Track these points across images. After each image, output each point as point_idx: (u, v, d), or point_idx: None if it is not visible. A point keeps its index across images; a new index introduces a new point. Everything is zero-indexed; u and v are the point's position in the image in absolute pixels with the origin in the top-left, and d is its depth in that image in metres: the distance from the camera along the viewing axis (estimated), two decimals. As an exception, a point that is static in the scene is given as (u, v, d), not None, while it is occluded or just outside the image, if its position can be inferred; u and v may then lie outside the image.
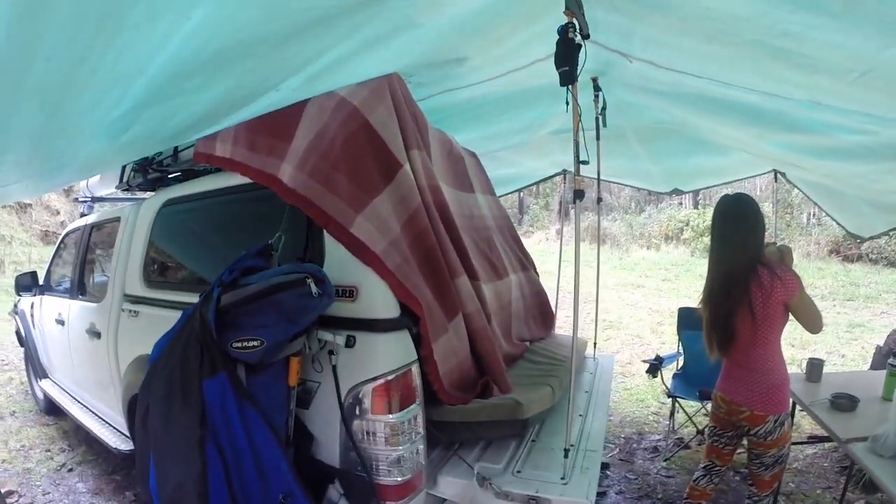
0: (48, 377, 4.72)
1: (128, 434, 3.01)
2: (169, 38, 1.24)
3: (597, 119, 2.83)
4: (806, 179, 4.05)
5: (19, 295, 4.89)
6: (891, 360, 2.92)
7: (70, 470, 4.00)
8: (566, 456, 1.84)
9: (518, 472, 1.88)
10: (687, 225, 15.49)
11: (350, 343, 1.70)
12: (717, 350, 2.35)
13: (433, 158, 2.33)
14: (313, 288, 1.55)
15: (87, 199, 4.43)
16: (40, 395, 5.06)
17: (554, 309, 3.61)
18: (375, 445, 1.68)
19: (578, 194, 1.84)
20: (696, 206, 17.46)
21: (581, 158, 1.85)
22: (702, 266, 11.90)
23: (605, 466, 3.63)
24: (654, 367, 3.77)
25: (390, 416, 1.66)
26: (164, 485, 1.60)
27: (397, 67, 2.00)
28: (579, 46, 1.78)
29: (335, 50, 1.62)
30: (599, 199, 3.42)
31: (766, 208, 7.56)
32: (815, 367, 3.20)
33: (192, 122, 1.92)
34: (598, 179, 3.06)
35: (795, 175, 4.02)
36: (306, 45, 1.52)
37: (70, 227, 4.61)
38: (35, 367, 4.93)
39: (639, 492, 3.36)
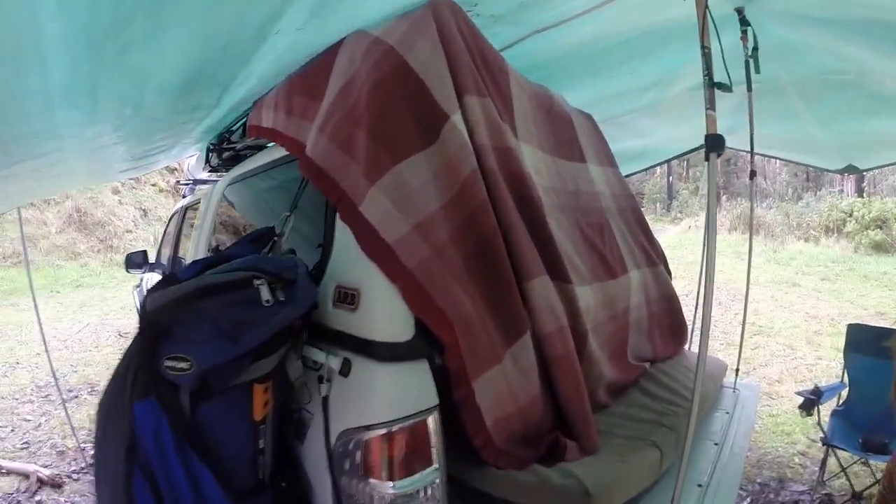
0: None
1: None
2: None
3: (746, 64, 2.02)
4: None
5: (129, 272, 5.02)
6: None
7: None
8: None
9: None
10: (850, 216, 13.11)
11: (345, 370, 1.16)
12: None
13: (518, 113, 1.70)
14: (265, 294, 1.04)
15: (188, 182, 4.42)
16: None
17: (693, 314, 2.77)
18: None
19: (714, 141, 1.15)
20: (860, 193, 14.90)
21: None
22: (866, 265, 10.12)
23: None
24: (811, 402, 2.81)
25: (390, 483, 1.11)
26: None
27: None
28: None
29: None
30: (753, 174, 2.54)
31: None
32: None
33: (182, 80, 1.58)
34: (752, 149, 2.22)
35: None
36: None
37: (175, 208, 4.77)
38: None
39: None
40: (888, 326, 4.43)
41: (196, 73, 1.54)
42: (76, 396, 4.92)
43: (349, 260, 1.24)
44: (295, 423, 1.29)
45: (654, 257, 2.50)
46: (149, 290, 1.13)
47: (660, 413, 1.72)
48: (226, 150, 2.65)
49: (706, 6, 1.18)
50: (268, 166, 2.16)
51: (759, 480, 3.26)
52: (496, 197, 1.37)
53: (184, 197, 4.58)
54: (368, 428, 1.12)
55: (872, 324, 5.71)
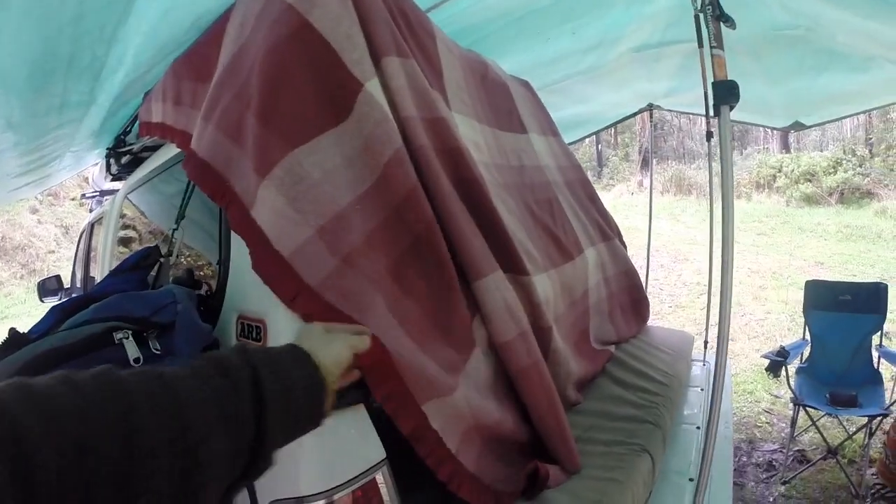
0: None
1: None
2: None
3: (696, 19, 1.84)
4: None
5: (42, 301, 4.34)
6: None
7: None
8: None
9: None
10: (780, 171, 13.52)
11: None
12: None
13: (448, 80, 1.44)
14: (130, 350, 0.76)
15: (95, 194, 3.93)
16: None
17: (645, 284, 2.61)
18: None
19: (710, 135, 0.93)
20: (787, 149, 15.36)
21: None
22: (800, 218, 10.44)
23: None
24: (777, 364, 2.76)
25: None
26: None
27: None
28: None
29: None
30: (709, 135, 2.39)
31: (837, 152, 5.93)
32: None
33: (28, 69, 1.23)
34: (707, 108, 2.05)
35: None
36: None
37: (83, 225, 4.22)
38: None
39: None
40: (843, 280, 4.49)
41: (44, 58, 1.20)
42: None
43: (250, 282, 0.95)
44: None
45: (609, 231, 2.31)
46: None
47: (637, 405, 1.53)
48: (123, 154, 2.30)
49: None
50: (165, 166, 1.82)
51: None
52: (430, 180, 1.10)
53: (90, 211, 4.14)
54: (302, 500, 0.85)
55: (815, 275, 5.86)
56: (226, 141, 1.04)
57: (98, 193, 3.85)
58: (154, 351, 0.80)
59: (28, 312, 9.41)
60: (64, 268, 11.17)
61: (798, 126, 3.31)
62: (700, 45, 1.90)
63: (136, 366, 0.76)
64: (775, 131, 12.64)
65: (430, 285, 1.06)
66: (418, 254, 1.05)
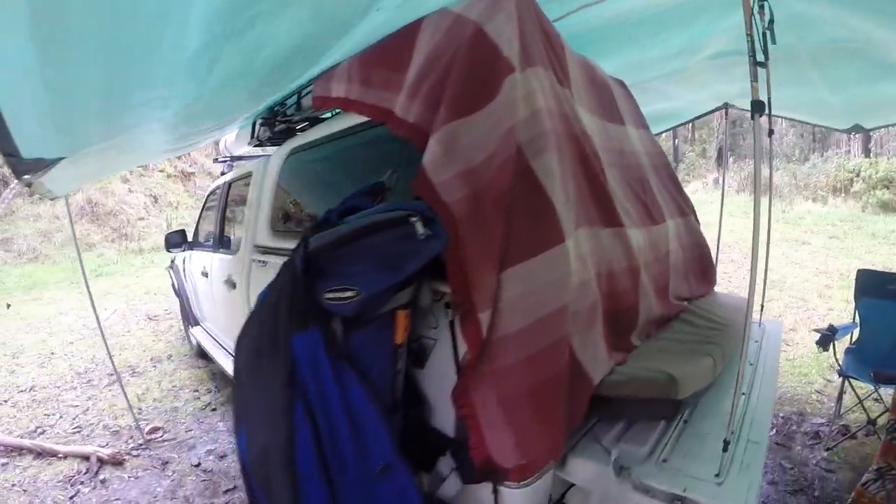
0: (199, 325, 5.13)
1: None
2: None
3: (763, 35, 2.27)
4: None
5: (169, 251, 5.28)
6: None
7: (213, 409, 4.37)
8: (725, 449, 1.46)
9: (664, 461, 1.52)
10: (857, 176, 13.33)
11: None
12: None
13: (573, 84, 1.95)
14: (419, 228, 1.30)
15: (226, 159, 4.65)
16: (193, 341, 5.49)
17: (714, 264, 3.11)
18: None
19: (757, 106, 1.40)
20: (866, 153, 15.03)
21: (758, 60, 1.41)
22: (874, 224, 10.38)
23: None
24: (827, 338, 3.15)
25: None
26: (251, 448, 1.48)
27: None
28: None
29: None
30: (771, 132, 2.81)
31: None
32: None
33: (287, 53, 1.76)
34: (770, 112, 2.49)
35: None
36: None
37: (213, 185, 4.88)
38: (188, 316, 5.42)
39: (794, 484, 2.86)
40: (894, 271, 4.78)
41: (300, 47, 1.73)
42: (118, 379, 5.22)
43: None
44: (414, 352, 1.57)
45: (686, 208, 2.82)
46: (309, 233, 1.38)
47: (705, 338, 2.01)
48: (280, 124, 2.87)
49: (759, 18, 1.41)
50: (333, 136, 2.40)
51: (781, 415, 3.61)
52: (547, 151, 1.54)
53: (222, 174, 4.77)
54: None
55: (881, 271, 6.06)
56: (428, 112, 1.59)
57: (229, 158, 4.60)
58: (428, 233, 1.34)
59: (121, 272, 10.51)
60: (153, 234, 12.34)
61: (859, 129, 3.69)
62: (765, 58, 2.34)
63: (421, 238, 1.32)
64: (857, 135, 12.42)
65: (528, 214, 1.49)
66: (518, 194, 1.49)
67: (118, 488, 3.40)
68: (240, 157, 4.66)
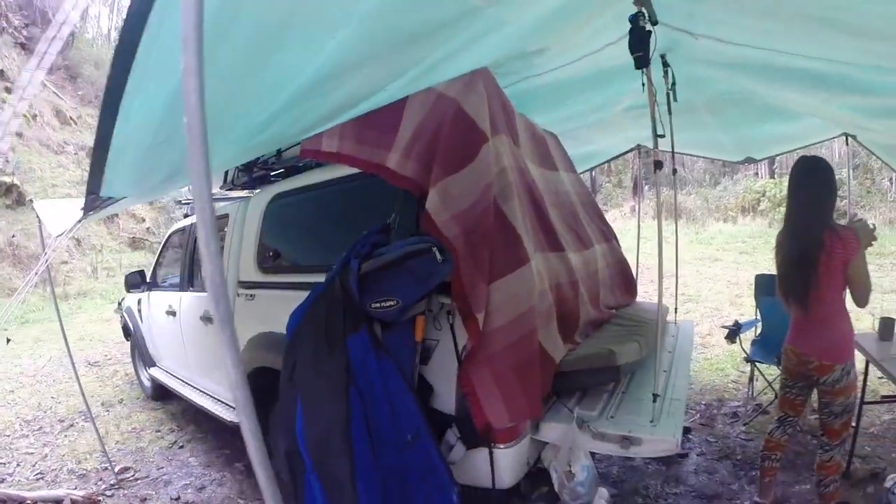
0: (156, 365, 5.33)
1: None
2: (317, 54, 1.56)
3: (667, 94, 3.02)
4: (878, 142, 4.10)
5: (129, 292, 5.51)
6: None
7: (181, 447, 4.51)
8: (654, 401, 2.11)
9: (611, 416, 2.16)
10: (763, 195, 15.11)
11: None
12: (792, 304, 2.59)
13: (521, 142, 2.58)
14: (438, 255, 1.87)
15: (189, 201, 4.97)
16: (147, 383, 5.70)
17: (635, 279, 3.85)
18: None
19: (658, 164, 2.07)
20: (772, 175, 16.93)
21: (658, 133, 2.08)
22: None
23: (686, 431, 3.86)
24: (733, 332, 3.94)
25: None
26: (311, 428, 1.95)
27: (487, 62, 2.28)
28: (649, 33, 2.02)
29: (438, 52, 1.93)
30: (675, 171, 3.60)
31: (844, 174, 7.46)
32: (886, 326, 3.34)
33: (315, 121, 2.24)
34: (672, 152, 3.25)
35: (867, 138, 4.07)
36: (417, 51, 1.84)
37: (174, 227, 5.18)
38: (143, 357, 5.54)
39: (719, 453, 3.58)
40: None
41: (337, 109, 2.19)
42: (71, 425, 5.19)
43: None
44: (420, 352, 2.08)
45: (609, 235, 3.57)
46: (360, 259, 1.92)
47: (632, 332, 2.68)
48: (259, 170, 3.28)
49: (654, 89, 2.10)
50: (314, 185, 2.90)
51: (703, 402, 4.39)
52: (513, 194, 2.17)
53: (185, 216, 5.10)
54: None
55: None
56: (421, 169, 2.16)
57: (192, 201, 4.92)
58: (443, 259, 1.88)
59: (49, 318, 10.14)
60: (78, 279, 12.10)
61: (750, 160, 4.66)
62: (669, 112, 3.10)
63: (440, 262, 1.86)
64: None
65: (501, 238, 2.06)
66: (495, 226, 2.07)
67: None
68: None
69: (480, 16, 1.77)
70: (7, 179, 13.99)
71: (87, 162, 16.35)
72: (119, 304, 6.69)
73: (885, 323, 3.35)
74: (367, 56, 1.72)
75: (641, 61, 2.01)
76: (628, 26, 2.11)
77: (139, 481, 3.97)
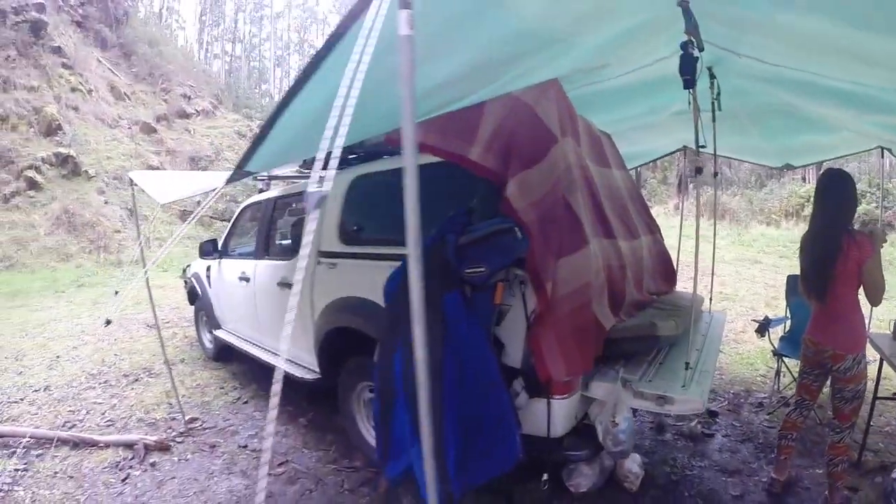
0: (220, 328, 5.84)
1: (309, 367, 4.06)
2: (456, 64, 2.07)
3: (712, 103, 3.43)
4: None
5: (203, 258, 5.99)
6: None
7: (245, 402, 4.92)
8: (686, 369, 2.57)
9: (650, 380, 2.62)
10: (808, 201, 15.12)
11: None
12: (812, 299, 3.00)
13: (582, 143, 3.03)
14: (518, 234, 2.36)
15: (264, 178, 5.55)
16: (209, 345, 6.25)
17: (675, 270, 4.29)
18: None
19: (698, 170, 2.53)
20: (820, 181, 16.89)
21: (700, 143, 2.52)
22: None
23: (713, 414, 4.30)
24: (763, 326, 4.35)
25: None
26: (410, 369, 2.43)
27: (560, 74, 2.75)
28: (697, 59, 2.45)
29: (523, 67, 2.41)
30: (716, 174, 4.00)
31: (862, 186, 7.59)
32: None
33: (422, 112, 2.61)
34: (715, 154, 3.65)
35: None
36: (512, 67, 2.33)
37: (248, 201, 5.70)
38: (209, 320, 6.07)
39: (742, 436, 4.01)
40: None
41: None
42: (137, 379, 5.57)
43: None
44: (497, 314, 2.55)
45: (654, 228, 3.99)
46: (456, 235, 2.41)
47: (669, 314, 3.11)
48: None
49: (698, 107, 2.54)
50: (396, 171, 3.35)
51: (731, 391, 4.81)
52: (576, 192, 2.66)
53: (260, 191, 5.61)
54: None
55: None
56: (500, 162, 2.63)
57: (268, 178, 5.51)
58: (522, 237, 2.38)
59: (103, 283, 10.92)
60: (130, 247, 12.87)
61: (789, 166, 5.04)
62: (713, 120, 3.50)
63: (519, 239, 2.35)
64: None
65: (564, 220, 2.57)
66: (563, 210, 2.58)
67: (170, 469, 3.77)
68: (273, 178, 5.61)
69: (561, 41, 2.24)
70: (64, 150, 14.89)
71: (140, 136, 17.35)
72: (184, 270, 7.17)
73: (899, 324, 3.71)
74: (483, 65, 2.20)
75: (689, 83, 2.44)
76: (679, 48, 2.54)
77: (207, 430, 4.33)
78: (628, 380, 2.56)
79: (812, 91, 3.06)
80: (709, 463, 3.63)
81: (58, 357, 6.13)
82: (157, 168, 15.38)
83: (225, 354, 6.03)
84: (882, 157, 4.71)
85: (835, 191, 2.89)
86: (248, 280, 4.97)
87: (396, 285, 2.58)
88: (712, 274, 4.47)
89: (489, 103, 2.75)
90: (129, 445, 4.00)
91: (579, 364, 2.46)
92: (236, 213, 5.90)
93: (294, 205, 4.78)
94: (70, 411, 4.67)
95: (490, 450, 2.37)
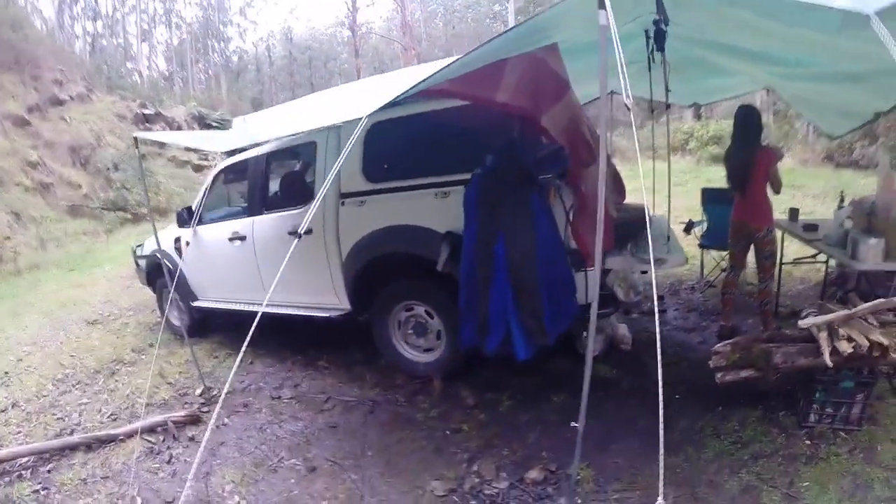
0: (199, 299, 5.98)
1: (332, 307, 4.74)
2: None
3: (648, 58, 4.51)
4: (791, 94, 5.99)
5: (181, 227, 5.85)
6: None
7: (251, 363, 5.20)
8: (667, 241, 3.92)
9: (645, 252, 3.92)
10: (691, 136, 17.66)
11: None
12: (737, 191, 4.48)
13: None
14: (566, 151, 3.56)
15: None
16: (177, 323, 6.15)
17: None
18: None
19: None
20: (698, 118, 19.51)
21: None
22: (708, 172, 14.43)
23: (660, 298, 5.80)
24: (689, 226, 5.90)
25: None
26: (510, 247, 3.42)
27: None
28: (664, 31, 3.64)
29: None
30: (668, 106, 5.65)
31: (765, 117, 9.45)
32: (793, 212, 5.43)
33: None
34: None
35: (783, 92, 5.91)
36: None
37: (224, 164, 6.02)
38: (184, 294, 5.92)
39: (687, 309, 5.64)
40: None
41: None
42: (113, 372, 5.50)
43: None
44: None
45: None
46: (532, 153, 3.59)
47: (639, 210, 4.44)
48: None
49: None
50: (408, 117, 4.14)
51: (668, 282, 6.43)
52: (584, 124, 3.90)
53: (230, 154, 5.96)
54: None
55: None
56: (528, 103, 3.65)
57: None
58: (566, 154, 3.62)
59: (11, 294, 9.74)
60: (25, 253, 11.43)
61: (697, 105, 6.63)
62: (649, 69, 4.79)
63: (565, 156, 3.55)
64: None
65: (587, 150, 3.82)
66: (576, 129, 3.82)
67: (215, 437, 3.85)
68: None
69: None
70: None
71: (14, 131, 15.65)
72: (134, 251, 6.98)
73: (792, 210, 5.46)
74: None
75: (660, 46, 3.73)
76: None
77: (229, 395, 4.37)
78: (634, 253, 3.83)
79: (728, 51, 4.25)
80: (671, 327, 5.17)
81: (7, 373, 5.69)
82: (37, 164, 14.42)
83: (199, 329, 6.09)
84: (767, 94, 6.42)
85: (749, 118, 4.39)
86: (242, 239, 5.21)
87: (476, 194, 3.57)
88: (654, 192, 6.22)
89: (510, 60, 3.74)
90: (151, 429, 4.04)
91: (607, 244, 3.68)
92: (210, 179, 6.01)
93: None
94: (58, 419, 4.58)
95: (566, 307, 3.58)
